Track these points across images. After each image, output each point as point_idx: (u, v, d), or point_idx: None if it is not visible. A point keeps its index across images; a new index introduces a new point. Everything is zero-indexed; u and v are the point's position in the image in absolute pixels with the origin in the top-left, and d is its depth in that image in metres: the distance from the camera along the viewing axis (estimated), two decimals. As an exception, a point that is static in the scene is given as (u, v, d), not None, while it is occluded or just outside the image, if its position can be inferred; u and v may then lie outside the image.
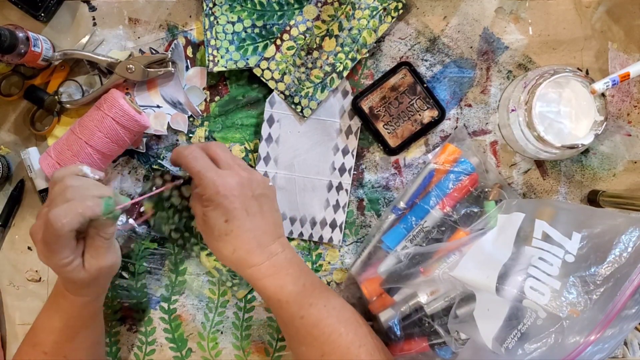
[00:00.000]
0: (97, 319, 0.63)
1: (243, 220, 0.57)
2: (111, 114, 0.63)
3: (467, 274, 0.60)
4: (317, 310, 0.58)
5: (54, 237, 0.51)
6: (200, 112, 0.70)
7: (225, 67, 0.68)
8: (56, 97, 0.68)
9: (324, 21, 0.68)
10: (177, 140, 0.70)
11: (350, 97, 0.70)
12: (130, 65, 0.67)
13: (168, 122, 0.69)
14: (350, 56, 0.69)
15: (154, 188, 0.65)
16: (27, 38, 0.62)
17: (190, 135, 0.70)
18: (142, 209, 0.69)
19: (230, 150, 0.70)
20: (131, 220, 0.69)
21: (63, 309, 0.58)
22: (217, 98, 0.70)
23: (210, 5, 0.67)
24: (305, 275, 0.60)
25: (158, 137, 0.70)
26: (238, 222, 0.57)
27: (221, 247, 0.57)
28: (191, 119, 0.70)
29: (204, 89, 0.70)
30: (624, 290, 0.52)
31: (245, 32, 0.68)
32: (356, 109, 0.70)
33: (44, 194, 0.69)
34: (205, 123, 0.70)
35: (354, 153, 0.70)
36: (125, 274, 0.71)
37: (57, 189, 0.54)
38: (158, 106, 0.69)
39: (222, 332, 0.71)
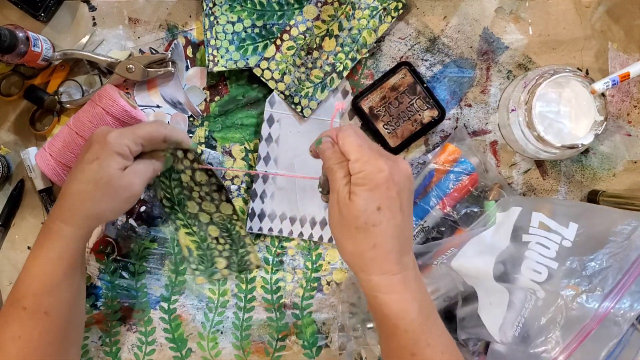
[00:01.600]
0: (78, 269, 0.58)
1: (395, 214, 0.48)
2: (101, 104, 0.63)
3: (465, 262, 0.60)
4: (431, 353, 0.49)
5: (148, 126, 0.58)
6: (200, 112, 0.70)
7: (225, 67, 0.68)
8: (56, 97, 0.68)
9: (324, 21, 0.68)
10: (177, 140, 0.70)
11: (350, 97, 0.70)
12: (130, 65, 0.67)
13: (168, 122, 0.69)
14: (350, 56, 0.69)
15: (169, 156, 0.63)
16: (27, 38, 0.62)
17: (190, 135, 0.70)
18: (142, 209, 0.69)
19: (230, 151, 0.70)
20: (131, 221, 0.70)
21: (45, 252, 0.55)
22: (217, 98, 0.70)
23: (210, 5, 0.67)
24: (429, 305, 0.51)
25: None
26: (390, 214, 0.48)
27: (360, 238, 0.48)
28: (191, 119, 0.70)
29: (204, 89, 0.70)
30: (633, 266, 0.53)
31: (245, 32, 0.68)
32: (356, 109, 0.70)
33: (44, 193, 0.69)
34: (205, 123, 0.70)
35: (354, 153, 0.70)
36: (125, 274, 0.71)
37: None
38: (158, 106, 0.69)
39: (222, 332, 0.71)
